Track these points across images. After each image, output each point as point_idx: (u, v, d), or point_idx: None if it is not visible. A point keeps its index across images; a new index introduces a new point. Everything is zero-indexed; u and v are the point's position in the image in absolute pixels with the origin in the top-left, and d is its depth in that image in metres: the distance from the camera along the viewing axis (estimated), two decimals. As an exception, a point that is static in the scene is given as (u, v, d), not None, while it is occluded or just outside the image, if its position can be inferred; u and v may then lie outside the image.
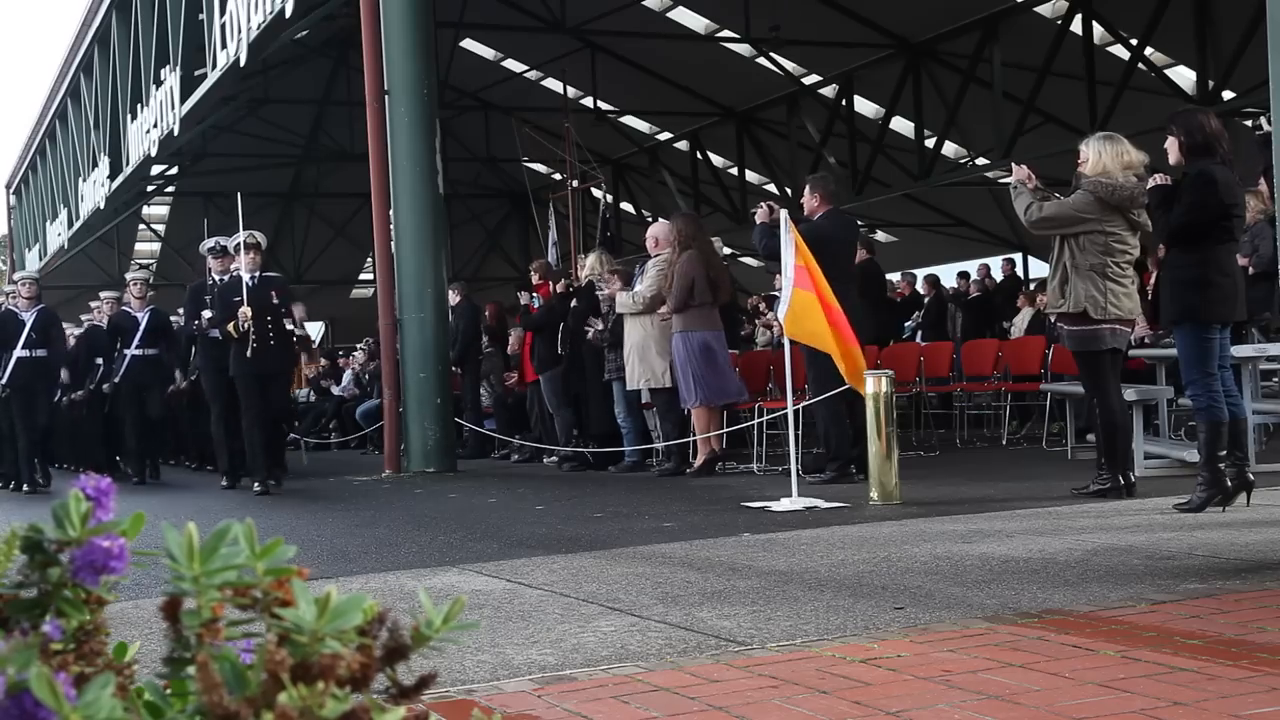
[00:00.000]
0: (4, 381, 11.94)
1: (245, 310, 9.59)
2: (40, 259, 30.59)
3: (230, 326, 9.70)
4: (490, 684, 3.07)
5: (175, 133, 18.57)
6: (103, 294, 13.98)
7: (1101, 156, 6.63)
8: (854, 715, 2.62)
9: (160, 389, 12.52)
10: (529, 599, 4.31)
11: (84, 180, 26.13)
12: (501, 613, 4.04)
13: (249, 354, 9.69)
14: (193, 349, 12.12)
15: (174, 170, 23.89)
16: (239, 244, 10.11)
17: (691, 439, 9.85)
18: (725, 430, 9.69)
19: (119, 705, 0.87)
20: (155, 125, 19.51)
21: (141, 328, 12.51)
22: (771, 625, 3.62)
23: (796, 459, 7.39)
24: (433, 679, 1.02)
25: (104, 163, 23.67)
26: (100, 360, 13.11)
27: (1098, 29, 15.81)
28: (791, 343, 7.66)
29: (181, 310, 12.55)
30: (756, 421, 10.05)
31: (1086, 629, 3.35)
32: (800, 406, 7.46)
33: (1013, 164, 7.15)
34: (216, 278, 10.84)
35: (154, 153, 19.94)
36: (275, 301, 10.09)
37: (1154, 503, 6.32)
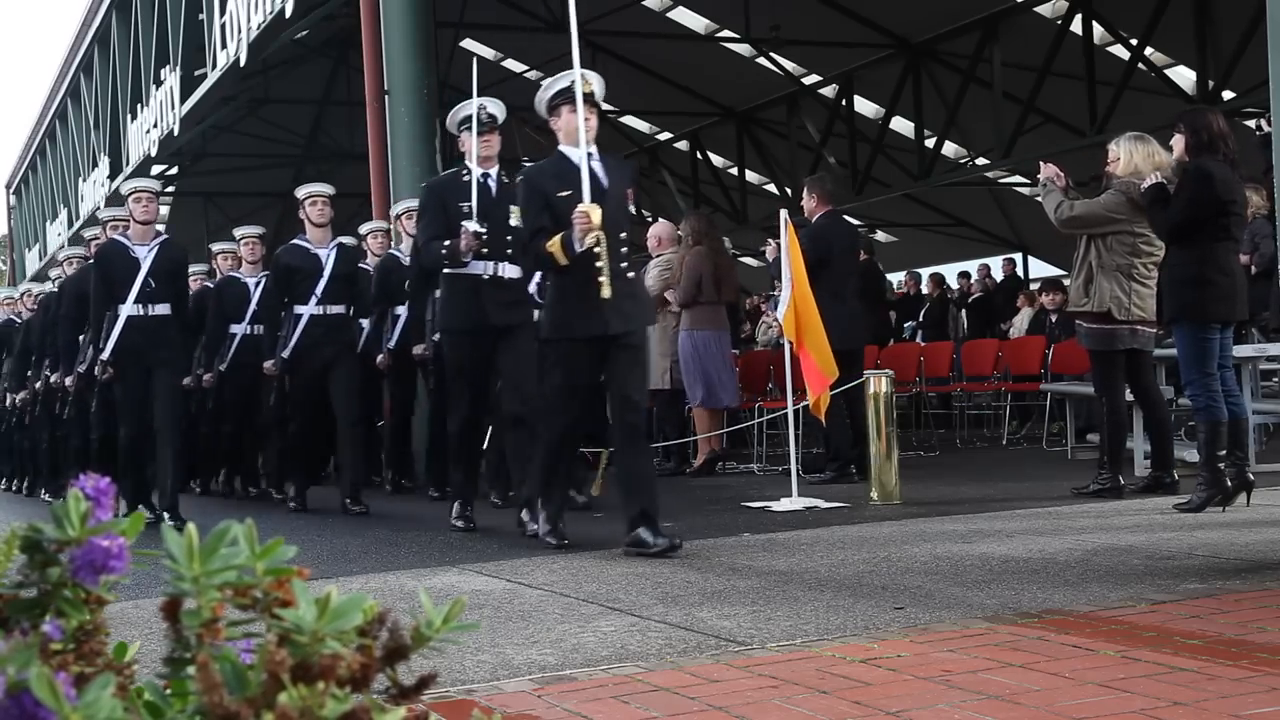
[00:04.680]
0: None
1: (593, 213, 5.29)
2: (40, 259, 30.58)
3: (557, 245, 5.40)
4: (490, 684, 3.07)
5: (175, 133, 18.56)
6: (87, 232, 10.17)
7: (1133, 157, 6.64)
8: (854, 715, 2.62)
9: (269, 380, 8.93)
10: (529, 599, 4.31)
11: (84, 180, 26.13)
12: (501, 613, 4.04)
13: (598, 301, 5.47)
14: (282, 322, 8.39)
15: (174, 170, 23.89)
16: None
17: (692, 439, 9.85)
18: (725, 430, 9.69)
19: (119, 705, 0.87)
20: (155, 125, 19.51)
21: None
22: (771, 625, 3.62)
23: (796, 459, 7.39)
24: (433, 679, 1.02)
25: (104, 163, 23.66)
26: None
27: (1098, 29, 15.80)
28: (791, 343, 7.66)
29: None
30: (756, 421, 10.06)
31: (1086, 629, 3.35)
32: (800, 406, 7.46)
33: (1041, 162, 7.13)
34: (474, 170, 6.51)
35: (154, 153, 19.93)
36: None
37: (1154, 503, 6.32)
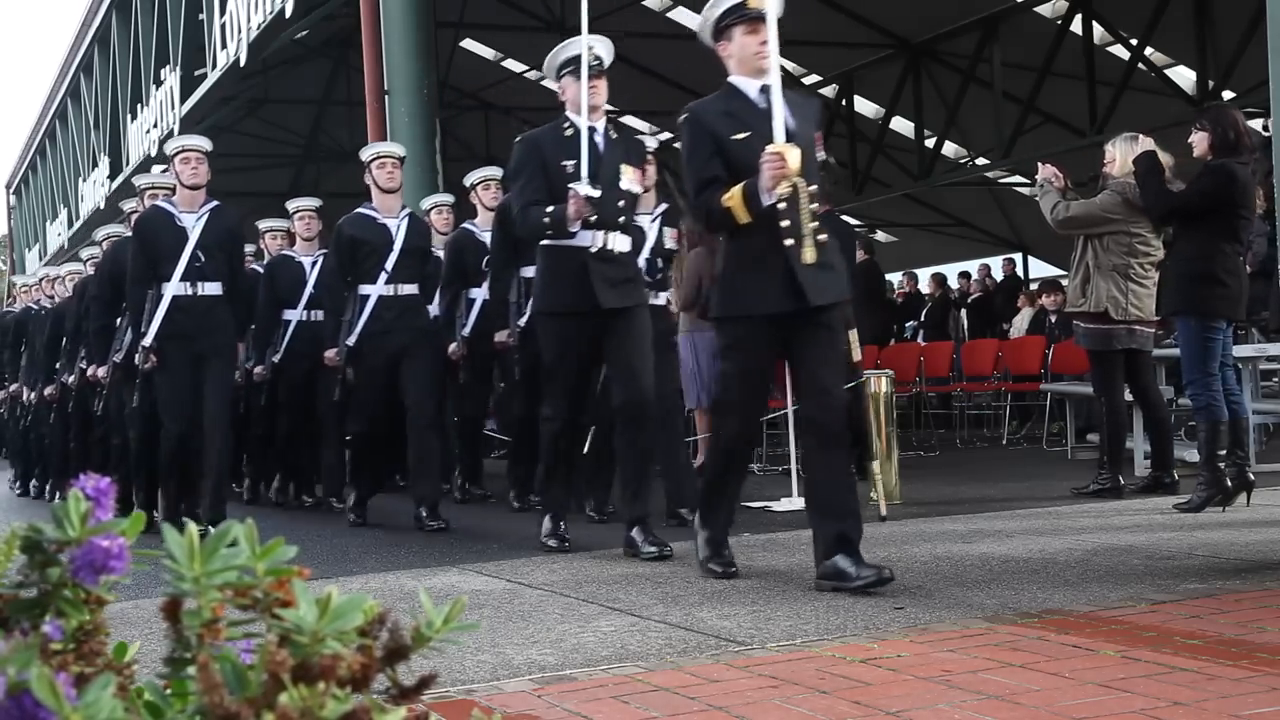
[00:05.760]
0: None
1: (789, 153, 4.32)
2: (40, 259, 30.60)
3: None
4: (490, 684, 3.07)
5: (175, 133, 18.55)
6: (125, 205, 8.74)
7: (1128, 158, 6.65)
8: (854, 715, 2.62)
9: (330, 371, 7.55)
10: (529, 599, 4.31)
11: (84, 180, 26.14)
12: (501, 613, 4.04)
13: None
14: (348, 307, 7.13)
15: (174, 170, 23.88)
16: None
17: (692, 439, 9.84)
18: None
19: (119, 705, 0.87)
20: (155, 125, 19.52)
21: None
22: (771, 625, 3.62)
23: (796, 459, 7.39)
24: (433, 679, 1.02)
25: (104, 163, 23.67)
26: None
27: (1098, 29, 15.80)
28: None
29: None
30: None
31: (1086, 629, 3.35)
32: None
33: (1040, 163, 7.14)
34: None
35: (154, 153, 19.94)
36: None
37: (1154, 503, 6.32)
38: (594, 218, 5.29)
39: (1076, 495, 6.77)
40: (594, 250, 5.34)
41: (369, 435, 6.97)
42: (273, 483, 9.03)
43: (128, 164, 21.78)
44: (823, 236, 4.33)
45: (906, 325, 16.74)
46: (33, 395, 10.66)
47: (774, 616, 3.76)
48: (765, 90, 4.35)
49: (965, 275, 18.09)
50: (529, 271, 6.70)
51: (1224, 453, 6.03)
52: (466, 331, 7.95)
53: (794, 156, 4.18)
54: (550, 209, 5.29)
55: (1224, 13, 14.42)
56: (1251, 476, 6.11)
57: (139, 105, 20.67)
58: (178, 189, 6.79)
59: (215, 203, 6.85)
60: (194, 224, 6.66)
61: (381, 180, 7.02)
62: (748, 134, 4.32)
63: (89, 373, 8.31)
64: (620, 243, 5.42)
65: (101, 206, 24.01)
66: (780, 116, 4.27)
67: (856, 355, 4.02)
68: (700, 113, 4.50)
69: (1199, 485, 6.02)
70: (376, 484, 7.30)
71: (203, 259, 6.63)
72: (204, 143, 6.96)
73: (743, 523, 6.26)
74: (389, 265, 6.83)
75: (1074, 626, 3.39)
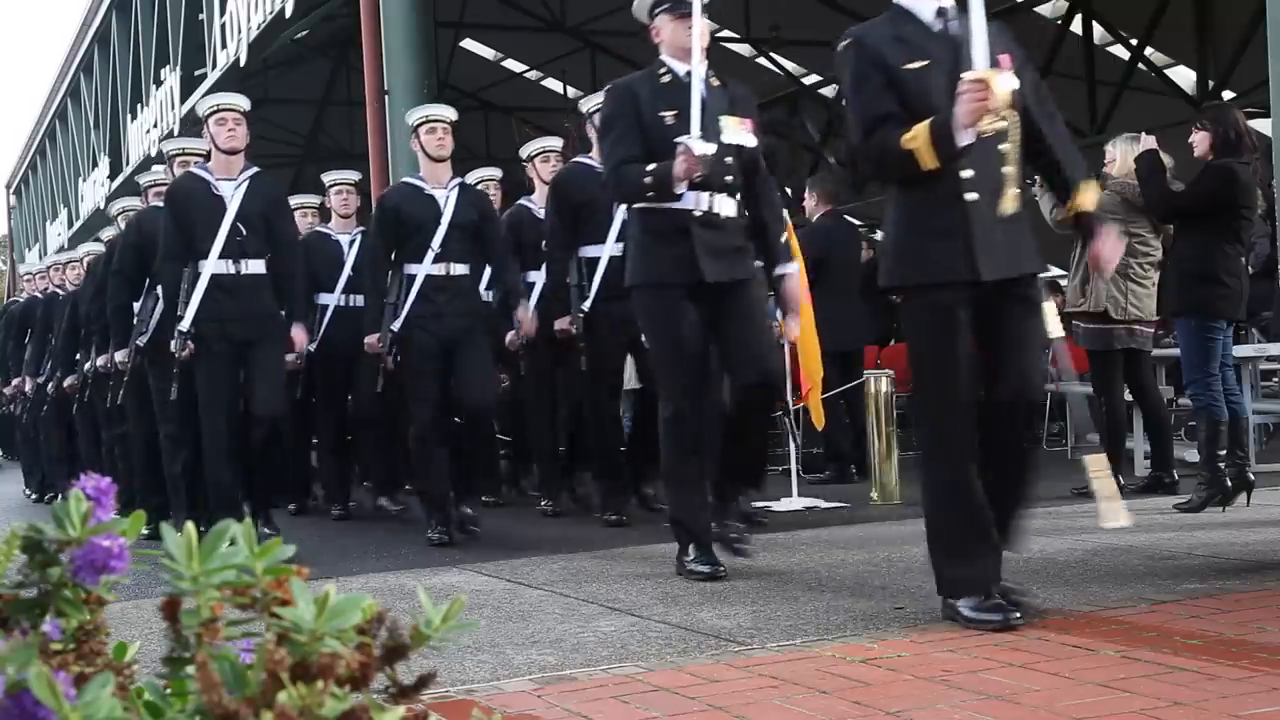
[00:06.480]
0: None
1: (995, 80, 3.50)
2: (40, 259, 30.61)
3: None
4: (490, 684, 3.07)
5: (175, 133, 18.56)
6: (152, 172, 8.12)
7: (1128, 158, 6.65)
8: (854, 715, 2.62)
9: (371, 360, 6.64)
10: (529, 599, 4.31)
11: (84, 180, 26.14)
12: (501, 613, 4.04)
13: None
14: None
15: (174, 170, 23.90)
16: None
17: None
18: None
19: (119, 705, 0.87)
20: (155, 125, 19.52)
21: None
22: (771, 625, 3.62)
23: (796, 459, 7.39)
24: (432, 679, 1.02)
25: (104, 163, 23.68)
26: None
27: (1098, 29, 15.80)
28: (791, 342, 7.66)
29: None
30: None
31: (1086, 629, 3.35)
32: (799, 407, 7.46)
33: None
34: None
35: (154, 153, 19.95)
36: None
37: (1154, 503, 6.32)
38: (698, 177, 4.55)
39: (1076, 495, 6.77)
40: (697, 214, 4.63)
41: (437, 426, 6.13)
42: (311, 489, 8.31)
43: (128, 164, 21.79)
44: (1013, 192, 3.60)
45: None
46: (38, 384, 9.98)
47: (774, 616, 3.76)
48: (943, 13, 3.66)
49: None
50: (590, 251, 6.40)
51: (1224, 453, 6.03)
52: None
53: (1003, 84, 3.41)
54: (652, 167, 4.57)
55: (1224, 13, 14.42)
56: (1251, 476, 6.11)
57: (139, 105, 20.68)
58: (213, 154, 6.03)
59: (255, 168, 6.09)
60: (233, 193, 5.89)
61: (430, 147, 6.32)
62: (924, 63, 3.58)
63: (100, 362, 7.43)
64: (726, 206, 4.70)
65: (101, 206, 24.02)
66: (982, 35, 3.48)
67: (1055, 331, 3.34)
68: (865, 38, 3.68)
69: (1199, 485, 6.02)
70: (445, 488, 6.19)
71: (244, 232, 5.87)
72: (242, 101, 6.18)
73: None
74: (437, 242, 6.12)
75: (1074, 626, 3.39)
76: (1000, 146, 3.57)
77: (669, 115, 4.64)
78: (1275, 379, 10.23)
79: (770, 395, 4.81)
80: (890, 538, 5.47)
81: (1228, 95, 14.64)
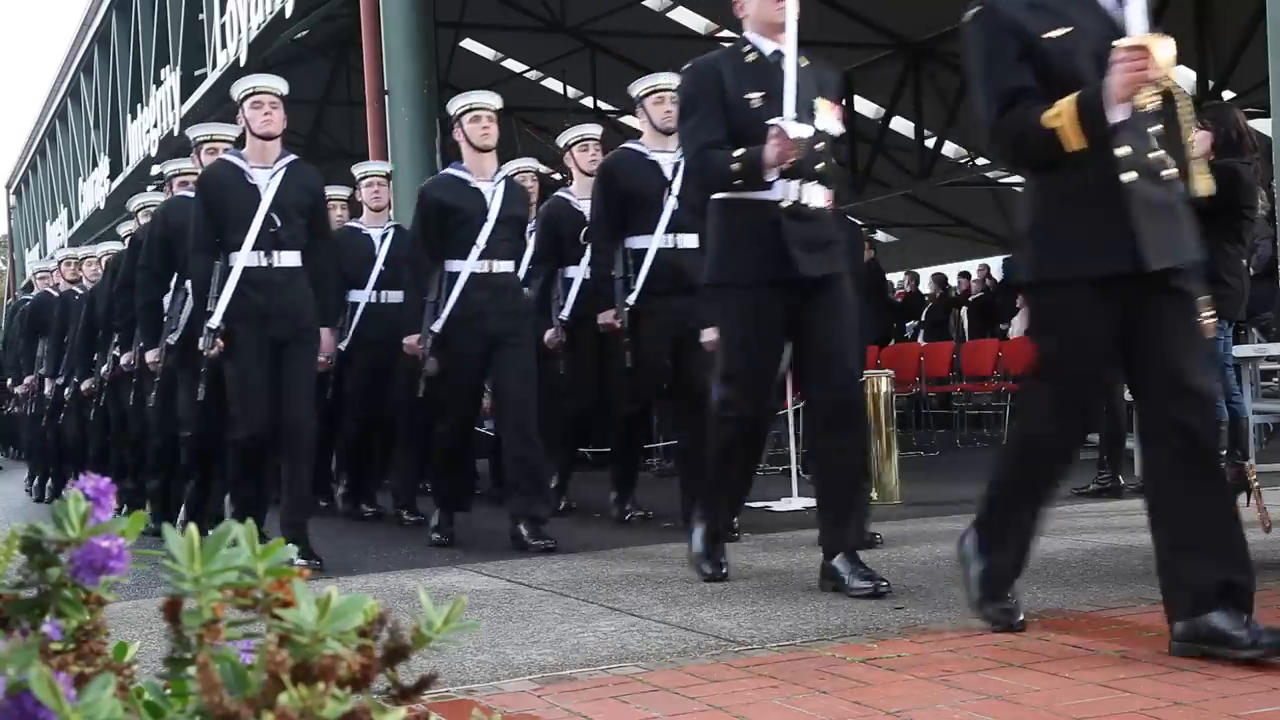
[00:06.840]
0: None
1: (1154, 45, 3.07)
2: (40, 259, 30.63)
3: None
4: (490, 684, 3.07)
5: (175, 133, 18.57)
6: (170, 165, 7.32)
7: None
8: (854, 715, 2.62)
9: (408, 362, 6.48)
10: (529, 599, 4.31)
11: (84, 180, 26.16)
12: (501, 613, 4.04)
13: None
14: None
15: (174, 170, 23.89)
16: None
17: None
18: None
19: (119, 705, 0.87)
20: (155, 125, 19.54)
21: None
22: (771, 625, 3.62)
23: (796, 459, 7.39)
24: (433, 679, 1.02)
25: (104, 163, 23.69)
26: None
27: (1098, 29, 15.81)
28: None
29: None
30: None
31: (1086, 629, 3.35)
32: (799, 407, 7.46)
33: None
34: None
35: (154, 153, 19.96)
36: None
37: (1154, 503, 6.31)
38: (791, 163, 4.15)
39: (1076, 495, 6.77)
40: (785, 205, 4.21)
41: (461, 434, 6.02)
42: (336, 491, 7.88)
43: (127, 164, 21.80)
44: (1170, 170, 3.18)
45: (907, 325, 16.73)
46: (57, 385, 9.47)
47: (774, 616, 3.76)
48: None
49: (965, 275, 18.11)
50: (636, 242, 6.03)
51: (1224, 453, 6.03)
52: (565, 314, 6.81)
53: (1164, 49, 2.99)
54: (740, 152, 4.17)
55: (1224, 13, 14.43)
56: (1252, 477, 6.10)
57: (139, 105, 20.69)
58: (247, 140, 5.66)
59: (292, 156, 5.71)
60: (268, 181, 5.49)
61: (475, 136, 5.90)
62: (1068, 29, 3.14)
63: (124, 360, 7.09)
64: (817, 196, 4.29)
65: (101, 206, 24.02)
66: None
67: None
68: (998, 3, 3.23)
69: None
70: (462, 495, 6.13)
71: (279, 223, 5.45)
72: (279, 84, 5.89)
73: (743, 523, 6.27)
74: (482, 239, 5.79)
75: (1074, 626, 3.39)
76: (1154, 126, 3.18)
77: (756, 97, 4.29)
78: (1275, 379, 10.23)
79: (853, 409, 4.41)
80: (890, 538, 5.47)
81: (1228, 95, 14.65)
